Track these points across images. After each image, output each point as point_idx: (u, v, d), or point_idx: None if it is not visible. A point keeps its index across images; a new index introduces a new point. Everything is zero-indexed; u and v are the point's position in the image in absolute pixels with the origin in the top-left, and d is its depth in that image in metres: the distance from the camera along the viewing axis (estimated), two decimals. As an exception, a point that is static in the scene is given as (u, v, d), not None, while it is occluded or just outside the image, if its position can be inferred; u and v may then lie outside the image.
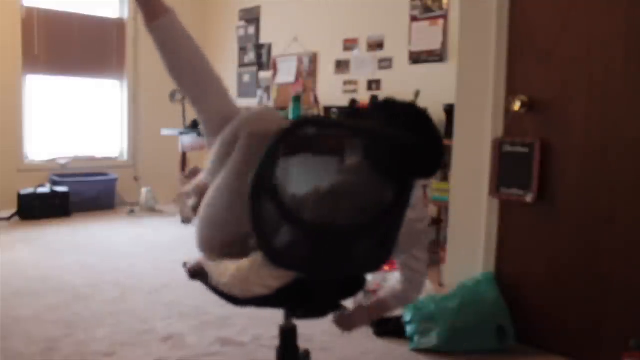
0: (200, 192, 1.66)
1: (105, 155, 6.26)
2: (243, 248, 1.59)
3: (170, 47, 1.64)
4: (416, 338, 2.47)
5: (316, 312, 1.70)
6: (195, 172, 1.82)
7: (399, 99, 1.66)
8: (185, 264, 1.76)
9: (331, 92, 5.22)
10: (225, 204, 1.56)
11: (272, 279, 1.46)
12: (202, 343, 2.52)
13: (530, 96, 2.48)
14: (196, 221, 1.65)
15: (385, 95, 5.04)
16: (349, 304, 1.80)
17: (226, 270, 1.53)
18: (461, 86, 2.80)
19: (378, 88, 4.88)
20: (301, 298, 1.54)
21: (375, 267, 1.60)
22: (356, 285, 1.70)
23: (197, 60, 1.65)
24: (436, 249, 3.92)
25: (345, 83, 5.17)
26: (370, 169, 1.46)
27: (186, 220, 1.79)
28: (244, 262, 1.50)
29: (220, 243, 1.59)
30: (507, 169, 2.55)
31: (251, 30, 6.20)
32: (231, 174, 1.55)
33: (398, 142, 1.47)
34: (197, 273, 1.68)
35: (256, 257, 1.47)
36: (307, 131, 1.42)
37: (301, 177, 1.43)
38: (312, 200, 1.42)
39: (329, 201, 1.42)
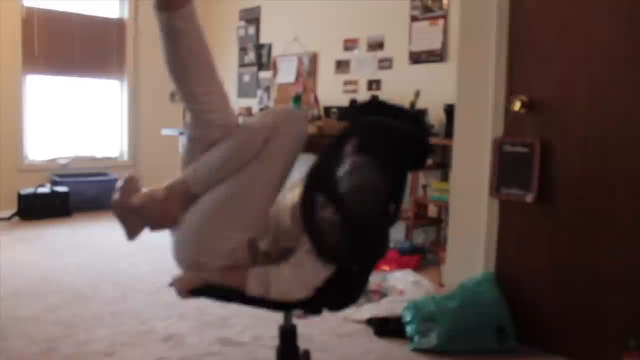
0: (185, 198, 1.57)
1: (105, 155, 6.27)
2: (251, 252, 1.59)
3: (186, 39, 1.52)
4: (416, 338, 2.47)
5: (346, 304, 1.70)
6: (134, 183, 1.64)
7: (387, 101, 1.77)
8: (175, 284, 1.63)
9: (331, 92, 5.22)
10: (251, 204, 1.54)
11: (316, 278, 1.54)
12: (202, 343, 2.52)
13: (530, 96, 2.48)
14: (185, 230, 1.57)
15: (382, 96, 5.03)
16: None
17: (268, 277, 1.52)
18: (461, 86, 2.80)
19: (378, 88, 4.88)
20: (338, 292, 1.61)
21: (384, 254, 1.73)
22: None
23: (207, 56, 1.58)
24: (436, 249, 3.92)
25: (345, 83, 5.17)
26: (375, 165, 1.57)
27: (133, 236, 1.64)
28: (291, 266, 1.53)
29: (233, 248, 1.55)
30: (507, 169, 2.55)
31: (251, 30, 6.20)
32: (260, 174, 1.53)
33: (415, 138, 1.63)
34: (197, 289, 1.59)
35: (300, 258, 1.53)
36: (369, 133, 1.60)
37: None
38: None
39: (353, 197, 1.53)
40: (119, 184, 1.64)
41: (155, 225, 1.61)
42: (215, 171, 1.56)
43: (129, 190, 1.62)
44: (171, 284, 1.62)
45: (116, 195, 1.62)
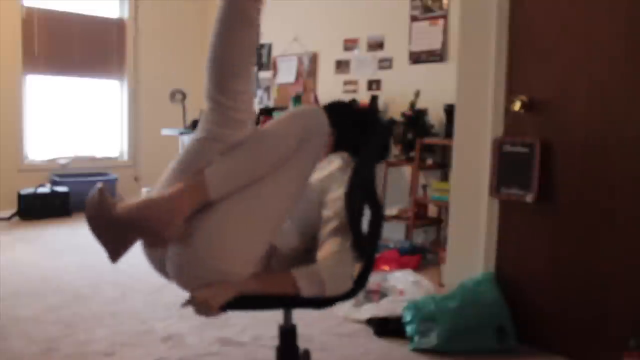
0: (199, 205, 1.41)
1: (105, 155, 6.27)
2: (269, 258, 1.57)
3: (253, 33, 1.48)
4: (416, 338, 2.47)
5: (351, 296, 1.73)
6: (108, 193, 1.39)
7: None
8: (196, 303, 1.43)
9: (331, 92, 5.22)
10: (281, 207, 1.50)
11: (353, 271, 1.60)
12: (202, 343, 2.52)
13: (530, 96, 2.48)
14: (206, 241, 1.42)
15: (382, 96, 5.02)
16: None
17: (319, 276, 1.50)
18: (461, 86, 2.80)
19: (378, 88, 4.89)
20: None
21: None
22: None
23: (255, 56, 1.58)
24: (436, 249, 3.92)
25: (345, 83, 5.17)
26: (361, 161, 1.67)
27: (118, 256, 1.40)
28: (336, 261, 1.55)
29: (262, 253, 1.50)
30: (507, 169, 2.55)
31: (251, 30, 6.19)
32: (292, 176, 1.50)
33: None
34: (231, 302, 1.43)
35: (340, 253, 1.55)
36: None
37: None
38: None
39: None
40: (91, 194, 1.39)
41: (155, 239, 1.40)
42: (243, 174, 1.44)
43: (106, 200, 1.37)
44: (189, 303, 1.43)
45: (92, 207, 1.37)
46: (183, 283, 1.48)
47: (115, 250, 1.39)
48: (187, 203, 1.39)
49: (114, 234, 1.37)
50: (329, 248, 1.57)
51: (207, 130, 1.48)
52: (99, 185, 1.41)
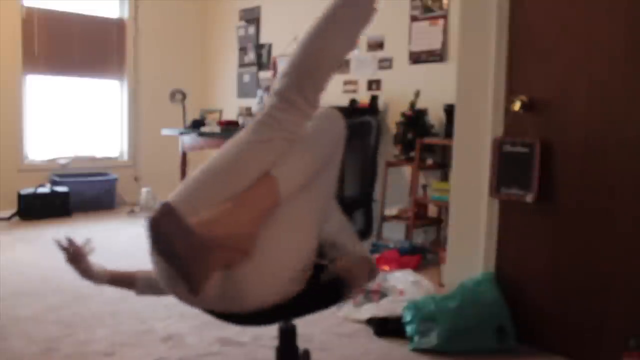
0: (271, 213, 1.30)
1: (105, 155, 6.27)
2: None
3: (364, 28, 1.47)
4: (416, 338, 2.47)
5: None
6: (178, 213, 1.16)
7: None
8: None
9: (331, 92, 5.21)
10: (325, 206, 1.50)
11: None
12: (202, 343, 2.52)
13: (530, 96, 2.48)
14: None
15: (382, 96, 5.03)
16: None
17: (369, 259, 1.58)
18: (461, 86, 2.80)
19: (378, 88, 4.89)
20: None
21: None
22: None
23: None
24: (436, 249, 3.92)
25: (345, 83, 5.17)
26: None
27: (202, 284, 1.18)
28: (364, 248, 1.66)
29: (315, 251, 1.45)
30: (507, 169, 2.55)
31: (251, 30, 6.20)
32: (334, 175, 1.49)
33: None
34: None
35: (360, 243, 1.64)
36: None
37: None
38: None
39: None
40: (154, 218, 1.15)
41: (234, 255, 1.21)
42: (305, 176, 1.36)
43: (184, 221, 1.15)
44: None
45: (165, 231, 1.14)
46: (252, 300, 1.32)
47: (202, 278, 1.19)
48: (262, 210, 1.25)
49: (197, 260, 1.16)
50: (349, 238, 1.62)
51: (284, 129, 1.34)
52: (163, 202, 1.18)
